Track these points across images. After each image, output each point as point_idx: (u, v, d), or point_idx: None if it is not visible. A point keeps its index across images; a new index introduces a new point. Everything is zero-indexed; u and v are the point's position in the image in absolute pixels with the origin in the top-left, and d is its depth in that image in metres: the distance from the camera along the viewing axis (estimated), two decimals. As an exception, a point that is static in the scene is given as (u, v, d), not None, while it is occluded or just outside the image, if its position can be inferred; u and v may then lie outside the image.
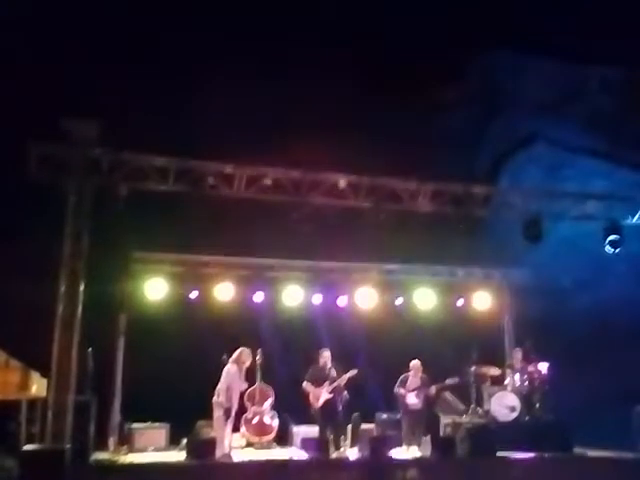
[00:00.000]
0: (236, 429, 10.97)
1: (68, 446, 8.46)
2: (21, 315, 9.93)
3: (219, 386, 10.09)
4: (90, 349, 9.98)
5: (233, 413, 10.16)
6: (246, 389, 10.86)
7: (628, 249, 11.41)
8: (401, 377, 11.72)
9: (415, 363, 11.77)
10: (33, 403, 9.55)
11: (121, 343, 11.70)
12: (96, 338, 10.05)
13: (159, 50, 12.43)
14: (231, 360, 10.33)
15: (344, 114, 13.40)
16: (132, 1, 12.70)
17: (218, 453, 9.37)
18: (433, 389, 11.54)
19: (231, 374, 10.21)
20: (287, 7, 13.44)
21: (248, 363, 10.48)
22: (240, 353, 10.39)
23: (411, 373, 11.71)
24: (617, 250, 11.12)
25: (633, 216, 11.56)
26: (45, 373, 9.19)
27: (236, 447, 10.32)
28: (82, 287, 9.21)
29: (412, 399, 11.48)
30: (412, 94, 13.65)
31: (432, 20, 14.28)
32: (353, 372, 10.99)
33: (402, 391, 11.54)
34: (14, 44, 11.06)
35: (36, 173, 9.27)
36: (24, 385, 8.87)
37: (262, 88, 13.15)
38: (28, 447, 8.65)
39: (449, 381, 11.55)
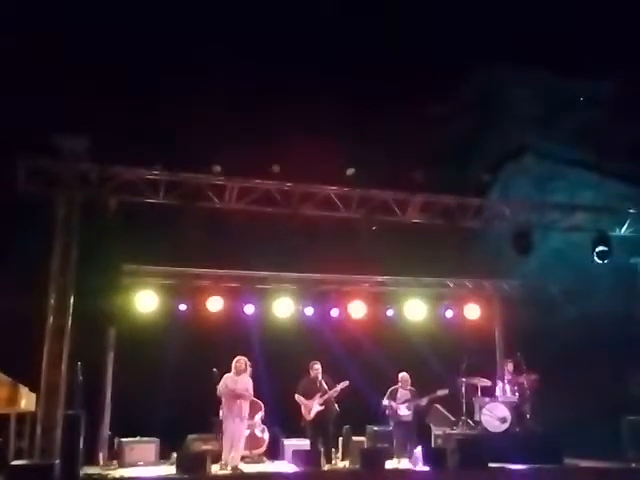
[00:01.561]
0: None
1: (57, 461, 8.39)
2: (10, 329, 9.86)
3: None
4: (79, 363, 9.92)
5: (228, 426, 10.30)
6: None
7: (616, 260, 11.47)
8: (390, 389, 11.74)
9: (404, 375, 11.79)
10: (22, 418, 9.47)
11: (110, 357, 11.65)
12: (85, 352, 9.98)
13: (149, 64, 12.45)
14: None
15: (336, 126, 13.45)
16: (121, 14, 12.73)
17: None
18: (424, 400, 11.55)
19: (223, 385, 10.46)
20: (277, 23, 13.52)
21: (242, 367, 10.58)
22: (235, 362, 10.64)
23: (400, 385, 11.72)
24: (605, 261, 11.18)
25: (621, 227, 11.63)
26: (34, 387, 9.12)
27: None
28: (71, 301, 9.17)
29: (404, 411, 11.49)
30: (404, 107, 13.73)
31: (424, 35, 14.39)
32: (344, 384, 10.98)
33: (392, 404, 11.54)
34: (2, 58, 11.06)
35: (25, 187, 9.24)
36: (13, 400, 8.79)
37: (253, 101, 13.19)
38: (17, 462, 8.57)
39: (440, 392, 11.55)
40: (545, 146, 14.89)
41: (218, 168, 9.89)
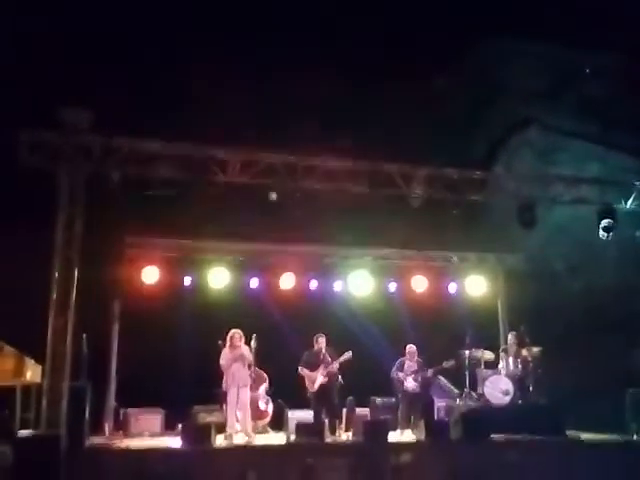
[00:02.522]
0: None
1: (63, 432, 8.48)
2: (15, 302, 9.90)
3: None
4: (85, 335, 9.97)
5: (231, 396, 10.39)
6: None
7: (621, 234, 11.44)
8: (397, 362, 11.78)
9: (411, 347, 11.83)
10: (27, 389, 9.55)
11: (116, 329, 11.69)
12: (91, 324, 10.03)
13: (152, 37, 12.33)
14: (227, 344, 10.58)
15: (339, 99, 13.34)
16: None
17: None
18: (430, 372, 11.61)
19: (223, 358, 10.53)
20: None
21: (237, 344, 10.59)
22: (229, 336, 10.64)
23: (407, 357, 11.77)
24: (610, 234, 11.14)
25: (626, 200, 11.57)
26: (40, 359, 9.18)
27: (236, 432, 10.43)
28: (76, 273, 9.20)
29: (411, 383, 11.56)
30: (407, 80, 13.60)
31: (427, 6, 14.20)
32: (348, 355, 11.03)
33: (400, 375, 11.59)
34: (3, 33, 10.96)
35: (28, 160, 9.21)
36: (18, 371, 8.85)
37: (257, 72, 13.08)
38: (23, 433, 8.66)
39: (446, 364, 11.60)
40: (550, 118, 14.77)
41: (274, 195, 9.93)
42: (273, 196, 10.11)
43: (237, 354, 10.58)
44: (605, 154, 13.10)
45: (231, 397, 10.50)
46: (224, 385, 10.72)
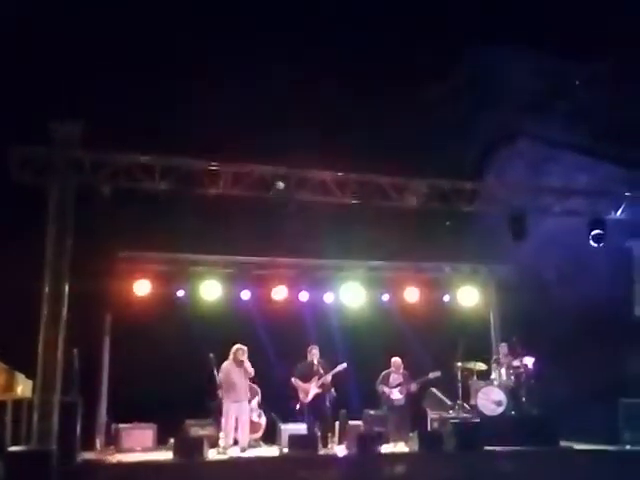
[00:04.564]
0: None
1: (54, 447, 8.41)
2: (5, 316, 9.83)
3: None
4: (76, 349, 9.91)
5: (230, 410, 10.49)
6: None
7: (612, 243, 11.48)
8: (382, 374, 11.80)
9: (396, 360, 11.87)
10: (18, 404, 9.47)
11: (107, 343, 11.62)
12: (82, 338, 9.97)
13: (141, 49, 12.33)
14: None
15: (330, 111, 13.38)
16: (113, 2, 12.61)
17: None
18: (413, 385, 11.62)
19: (223, 371, 10.67)
20: (273, 9, 13.40)
21: (242, 358, 10.66)
22: (233, 350, 10.77)
23: (392, 369, 11.78)
24: (601, 244, 11.19)
25: (616, 210, 11.63)
26: (30, 374, 9.12)
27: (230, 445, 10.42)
28: (67, 287, 9.16)
29: (396, 395, 11.58)
30: (397, 90, 13.66)
31: (417, 16, 14.28)
32: (342, 366, 11.03)
33: (385, 388, 11.61)
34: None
35: (18, 174, 9.18)
36: (9, 386, 8.78)
37: (247, 85, 13.10)
38: (14, 448, 8.58)
39: (432, 375, 11.62)
40: (540, 129, 14.85)
41: (281, 184, 9.88)
42: (280, 185, 10.03)
43: (241, 368, 10.61)
44: (595, 165, 13.17)
45: (230, 411, 10.48)
46: (220, 398, 10.72)
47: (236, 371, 10.66)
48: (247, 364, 10.73)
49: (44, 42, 11.70)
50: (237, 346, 10.77)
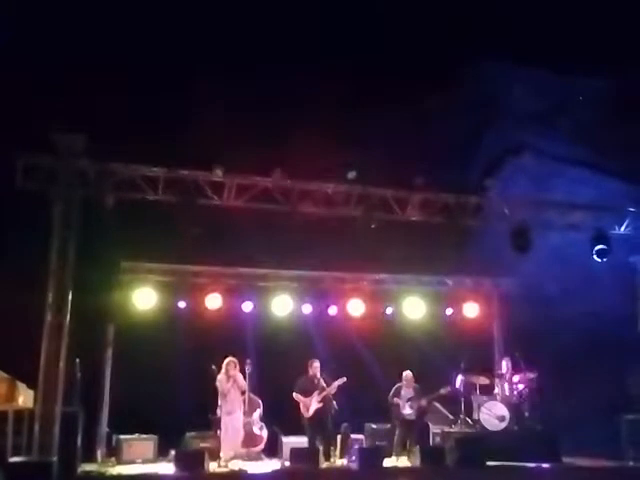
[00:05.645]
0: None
1: (55, 458, 8.39)
2: (8, 326, 9.83)
3: None
4: (78, 360, 9.91)
5: (225, 422, 10.38)
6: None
7: (615, 259, 11.46)
8: (394, 387, 11.70)
9: (407, 374, 11.76)
10: (20, 414, 9.46)
11: (109, 354, 11.64)
12: (84, 349, 9.98)
13: (147, 62, 12.40)
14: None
15: (334, 123, 13.41)
16: (119, 9, 12.68)
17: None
18: (424, 401, 11.53)
19: (218, 383, 10.58)
20: (274, 18, 13.46)
21: (232, 372, 10.60)
22: (225, 363, 10.67)
23: (404, 384, 11.70)
24: (604, 259, 11.17)
25: (620, 226, 11.62)
26: (32, 384, 9.11)
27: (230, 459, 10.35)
28: (70, 297, 9.16)
29: (407, 409, 11.47)
30: (402, 103, 13.69)
31: (422, 29, 14.34)
32: (342, 380, 10.98)
33: (399, 401, 11.50)
34: (-1, 54, 11.02)
35: (23, 184, 9.24)
36: (10, 396, 8.76)
37: (250, 97, 13.15)
38: (15, 459, 8.56)
39: (442, 391, 11.54)
40: (544, 144, 14.87)
41: (219, 171, 9.88)
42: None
43: (231, 381, 10.60)
44: (599, 180, 13.16)
45: (225, 423, 10.46)
46: (218, 411, 10.69)
47: (228, 384, 10.62)
48: (238, 377, 10.70)
49: (51, 53, 11.77)
50: (229, 359, 10.73)
